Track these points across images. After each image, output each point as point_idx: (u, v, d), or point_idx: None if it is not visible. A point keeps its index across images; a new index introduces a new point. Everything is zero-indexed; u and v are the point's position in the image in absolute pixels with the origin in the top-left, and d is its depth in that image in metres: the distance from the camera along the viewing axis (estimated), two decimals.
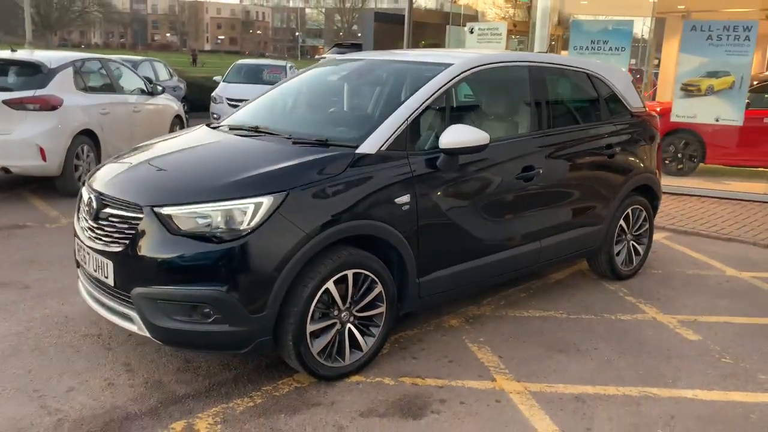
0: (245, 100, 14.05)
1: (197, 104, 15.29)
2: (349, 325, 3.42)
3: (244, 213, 3.06)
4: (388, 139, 3.53)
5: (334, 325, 3.36)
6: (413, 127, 3.64)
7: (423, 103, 3.69)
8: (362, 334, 3.49)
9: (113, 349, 3.72)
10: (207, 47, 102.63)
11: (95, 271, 3.35)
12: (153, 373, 3.46)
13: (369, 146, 3.48)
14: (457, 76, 3.90)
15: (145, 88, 9.06)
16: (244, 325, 3.09)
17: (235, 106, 13.91)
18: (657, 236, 6.16)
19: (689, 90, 8.63)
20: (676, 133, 9.61)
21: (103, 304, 3.39)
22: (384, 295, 3.50)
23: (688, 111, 8.64)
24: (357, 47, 24.12)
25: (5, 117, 6.67)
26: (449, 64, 3.95)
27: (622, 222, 5.05)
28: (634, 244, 5.24)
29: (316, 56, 72.72)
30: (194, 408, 3.14)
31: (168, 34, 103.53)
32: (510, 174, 4.05)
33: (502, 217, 4.07)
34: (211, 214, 3.06)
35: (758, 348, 4.05)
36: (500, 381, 3.51)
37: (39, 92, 6.86)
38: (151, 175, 3.41)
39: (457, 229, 3.80)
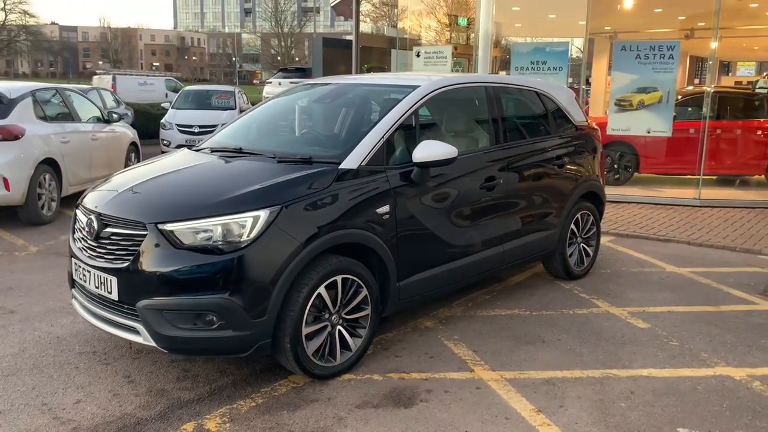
0: (195, 126, 14.21)
1: (143, 131, 15.26)
2: (339, 327, 3.71)
3: (243, 226, 3.33)
4: (367, 155, 3.86)
5: (325, 327, 3.65)
6: (389, 144, 3.99)
7: (396, 121, 4.05)
8: (351, 335, 3.78)
9: (111, 363, 3.88)
10: None
11: (97, 288, 3.54)
12: (155, 382, 3.66)
13: (351, 162, 3.80)
14: (425, 96, 4.28)
15: (101, 116, 9.13)
16: (246, 329, 3.34)
17: (185, 132, 14.06)
18: (602, 240, 6.68)
19: (622, 105, 9.33)
20: (611, 146, 10.29)
21: (104, 320, 3.57)
22: (369, 298, 3.81)
23: (622, 124, 9.34)
24: (302, 71, 24.58)
25: None
26: (416, 86, 4.33)
27: (573, 226, 5.51)
28: (584, 246, 5.72)
29: (255, 81, 72.62)
30: (201, 410, 3.36)
31: (100, 62, 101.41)
32: (475, 184, 4.45)
33: (470, 224, 4.45)
34: (212, 228, 3.32)
35: (699, 332, 4.53)
36: (478, 371, 3.85)
37: (1, 122, 6.90)
38: (151, 195, 3.64)
39: (432, 235, 4.15)
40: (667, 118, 9.07)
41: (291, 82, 21.08)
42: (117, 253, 3.44)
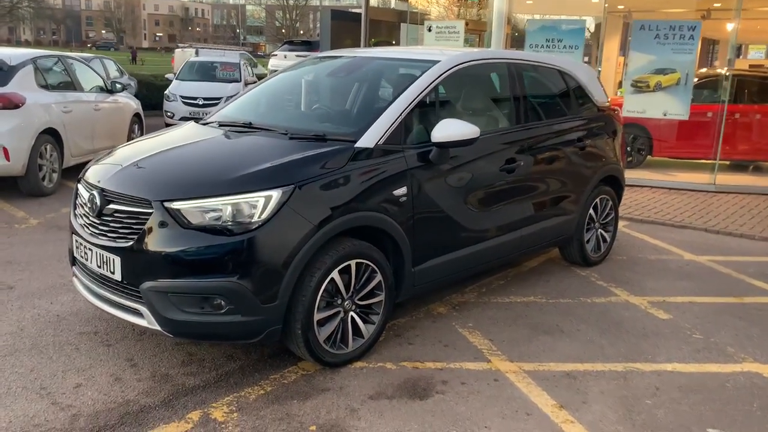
0: (199, 98, 13.96)
1: (147, 103, 15.01)
2: (351, 313, 3.55)
3: (254, 206, 3.14)
4: (384, 134, 3.66)
5: (338, 313, 3.48)
6: (406, 122, 3.79)
7: (415, 98, 3.84)
8: (363, 321, 3.62)
9: (113, 345, 3.73)
10: (145, 44, 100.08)
11: (99, 267, 3.36)
12: (158, 366, 3.50)
13: (367, 140, 3.60)
14: (445, 72, 4.06)
15: (104, 86, 8.89)
16: (256, 315, 3.17)
17: (189, 105, 13.81)
18: (618, 225, 6.49)
19: (639, 86, 9.08)
20: (625, 128, 10.03)
21: (107, 300, 3.40)
22: (383, 283, 3.63)
23: (638, 106, 9.09)
24: (308, 45, 24.14)
25: None
26: (436, 61, 4.11)
27: (591, 211, 5.32)
28: (602, 232, 5.54)
29: (259, 53, 71.87)
30: (207, 398, 3.21)
31: (103, 31, 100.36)
32: (495, 166, 4.25)
33: (488, 208, 4.26)
34: (222, 207, 3.13)
35: (724, 324, 4.37)
36: (495, 362, 3.69)
37: (0, 90, 6.68)
38: (157, 171, 3.45)
39: (449, 219, 3.97)
40: (685, 100, 8.83)
41: (297, 56, 20.74)
42: (120, 231, 3.26)
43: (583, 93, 5.29)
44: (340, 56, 4.86)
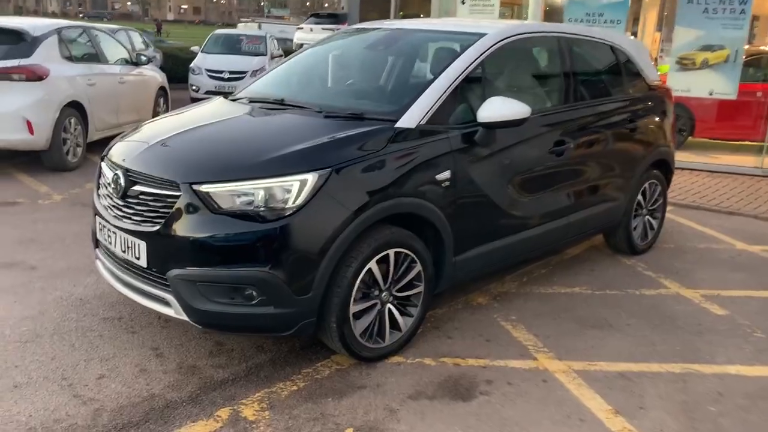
0: (225, 72, 13.71)
1: (171, 76, 14.79)
2: (388, 305, 3.32)
3: (289, 191, 2.90)
4: (427, 113, 3.39)
5: (374, 305, 3.25)
6: (450, 100, 3.51)
7: (460, 74, 3.56)
8: (401, 314, 3.39)
9: (138, 332, 3.55)
10: (170, 17, 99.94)
11: (123, 252, 3.16)
12: (185, 357, 3.31)
13: (408, 120, 3.34)
14: (492, 46, 3.76)
15: (129, 58, 8.69)
16: (289, 306, 2.95)
17: (215, 78, 13.59)
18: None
19: (684, 63, 8.63)
20: None
21: (132, 287, 3.21)
22: (422, 274, 3.39)
23: (682, 84, 8.64)
24: (334, 18, 23.74)
25: None
26: (483, 34, 3.81)
27: (639, 197, 5.01)
28: (649, 218, 5.23)
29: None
30: (236, 393, 3.01)
31: (129, 3, 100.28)
32: (543, 148, 3.96)
33: (534, 193, 3.98)
34: (254, 191, 2.90)
35: None
36: (542, 360, 3.45)
37: (24, 62, 6.50)
38: (185, 151, 3.22)
39: (493, 206, 3.70)
40: (733, 79, 8.37)
41: (323, 29, 20.39)
42: (146, 214, 3.05)
43: (634, 70, 4.94)
44: (377, 28, 4.57)
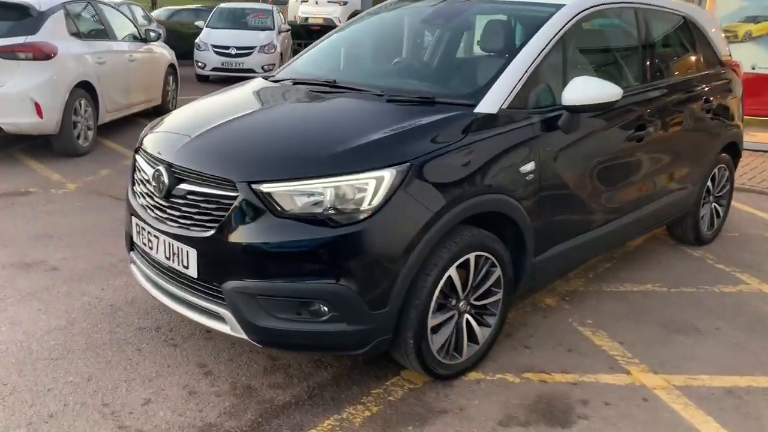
0: (232, 47, 13.17)
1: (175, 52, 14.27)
2: (466, 315, 2.93)
3: (363, 190, 2.49)
4: (509, 96, 2.97)
5: (452, 317, 2.87)
6: (531, 81, 3.08)
7: (542, 50, 3.13)
8: (479, 324, 3.00)
9: (179, 345, 3.16)
10: None
11: (167, 258, 2.76)
12: (237, 375, 2.93)
13: (489, 104, 2.92)
14: (573, 18, 3.33)
15: (137, 34, 8.19)
16: (364, 323, 2.56)
17: (222, 54, 13.07)
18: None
19: (726, 36, 8.14)
20: None
21: (177, 299, 2.81)
22: (502, 279, 3.00)
23: None
24: None
25: None
26: (561, 5, 3.37)
27: (709, 183, 4.61)
28: (716, 206, 4.83)
29: None
30: (303, 421, 2.63)
31: None
32: (625, 134, 3.55)
33: (615, 184, 3.58)
34: (323, 191, 2.49)
35: None
36: (636, 373, 3.07)
37: (30, 39, 6.02)
38: (239, 144, 2.79)
39: (574, 199, 3.31)
40: None
41: (329, 1, 19.75)
42: (196, 217, 2.64)
43: (707, 44, 4.51)
44: None
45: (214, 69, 13.10)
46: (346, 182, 2.50)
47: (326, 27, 20.01)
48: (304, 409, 2.71)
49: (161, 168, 2.75)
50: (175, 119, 3.26)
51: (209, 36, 13.32)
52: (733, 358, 3.26)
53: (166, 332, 3.27)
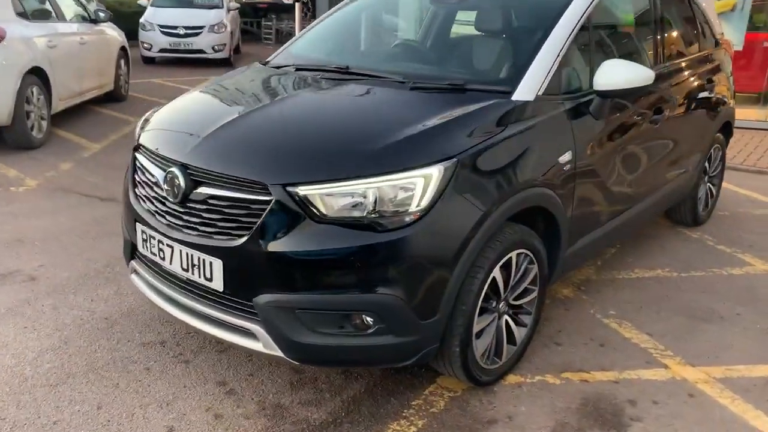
0: (180, 27, 12.53)
1: None
2: (505, 316, 2.76)
3: (411, 190, 2.28)
4: (544, 81, 2.79)
5: (493, 319, 2.70)
6: (563, 64, 2.91)
7: (572, 31, 2.95)
8: (516, 324, 2.84)
9: (191, 361, 2.89)
10: None
11: (185, 270, 2.48)
12: (263, 393, 2.69)
13: (526, 91, 2.73)
14: None
15: (86, 14, 7.62)
16: (412, 334, 2.36)
17: (169, 35, 12.45)
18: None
19: None
20: None
21: (197, 314, 2.53)
22: (538, 276, 2.85)
23: None
24: None
25: None
26: None
27: (705, 163, 4.58)
28: (710, 185, 4.82)
29: None
30: None
31: None
32: (647, 117, 3.43)
33: (636, 170, 3.47)
34: (368, 193, 2.26)
35: None
36: (674, 367, 2.98)
37: None
38: (264, 141, 2.51)
39: (604, 188, 3.18)
40: (740, 29, 8.04)
41: None
42: (221, 224, 2.36)
43: (706, 22, 4.45)
44: None
45: (162, 50, 12.49)
46: (391, 182, 2.27)
47: (274, 5, 19.43)
48: (344, 428, 2.50)
49: (175, 170, 2.45)
50: (176, 113, 2.94)
51: (155, 15, 12.67)
52: (762, 346, 3.21)
53: (173, 347, 2.99)
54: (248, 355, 2.92)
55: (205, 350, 2.97)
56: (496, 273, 2.58)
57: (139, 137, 2.83)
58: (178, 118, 2.86)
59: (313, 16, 15.77)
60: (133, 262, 2.86)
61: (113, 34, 8.34)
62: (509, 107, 2.65)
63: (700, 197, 4.65)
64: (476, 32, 3.34)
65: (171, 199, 2.48)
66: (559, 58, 2.86)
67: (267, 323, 2.32)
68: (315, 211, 2.25)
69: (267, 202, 2.27)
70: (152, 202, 2.61)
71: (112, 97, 8.38)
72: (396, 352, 2.39)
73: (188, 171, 2.44)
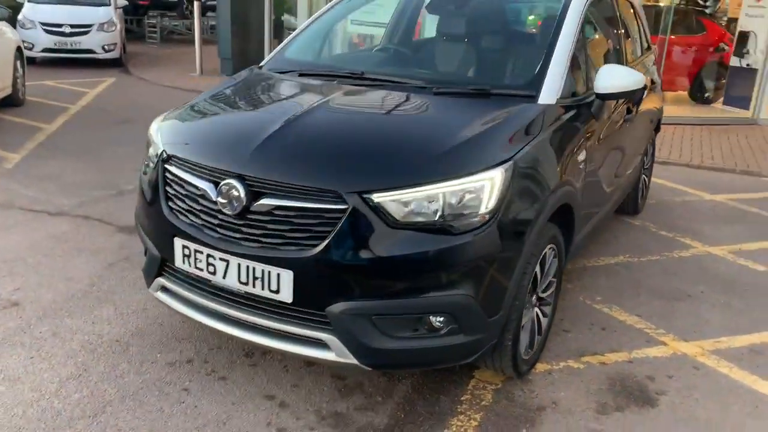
0: (65, 25, 11.67)
1: None
2: (535, 309, 2.93)
3: (479, 193, 2.37)
4: (561, 85, 2.98)
5: (530, 313, 2.85)
6: (571, 68, 3.11)
7: (575, 36, 3.16)
8: (543, 315, 3.02)
9: (228, 377, 2.80)
10: None
11: (244, 284, 2.41)
12: (315, 402, 2.66)
13: (548, 95, 2.90)
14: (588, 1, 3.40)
15: None
16: (480, 332, 2.46)
17: (53, 33, 11.57)
18: None
19: None
20: None
21: (256, 329, 2.46)
22: (558, 268, 3.04)
23: None
24: None
25: None
26: None
27: (644, 156, 5.02)
28: (644, 176, 5.29)
29: None
30: None
31: None
32: (623, 116, 3.74)
33: (616, 165, 3.77)
34: (437, 197, 2.32)
35: None
36: (672, 344, 3.29)
37: None
38: (325, 149, 2.48)
39: (598, 183, 3.44)
40: None
41: None
42: (289, 235, 2.32)
43: (644, 24, 4.87)
44: None
45: (45, 50, 11.59)
46: (460, 185, 2.35)
47: (155, 2, 18.54)
48: (409, 429, 2.55)
49: (232, 181, 2.37)
50: (206, 124, 2.85)
51: (35, 12, 11.72)
52: (731, 319, 3.61)
53: (201, 364, 2.87)
54: (283, 366, 2.88)
55: (237, 365, 2.89)
56: (537, 269, 2.73)
57: (163, 149, 2.69)
58: (213, 128, 2.76)
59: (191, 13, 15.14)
60: (160, 279, 2.72)
61: (6, 31, 7.65)
62: (539, 111, 2.81)
63: (640, 187, 5.09)
64: (489, 36, 3.46)
65: (228, 212, 2.39)
66: (568, 63, 3.06)
67: (341, 332, 2.32)
68: (388, 217, 2.28)
69: (342, 211, 2.26)
70: (198, 216, 2.50)
71: (10, 102, 7.69)
72: (464, 350, 2.48)
73: (246, 181, 2.37)
